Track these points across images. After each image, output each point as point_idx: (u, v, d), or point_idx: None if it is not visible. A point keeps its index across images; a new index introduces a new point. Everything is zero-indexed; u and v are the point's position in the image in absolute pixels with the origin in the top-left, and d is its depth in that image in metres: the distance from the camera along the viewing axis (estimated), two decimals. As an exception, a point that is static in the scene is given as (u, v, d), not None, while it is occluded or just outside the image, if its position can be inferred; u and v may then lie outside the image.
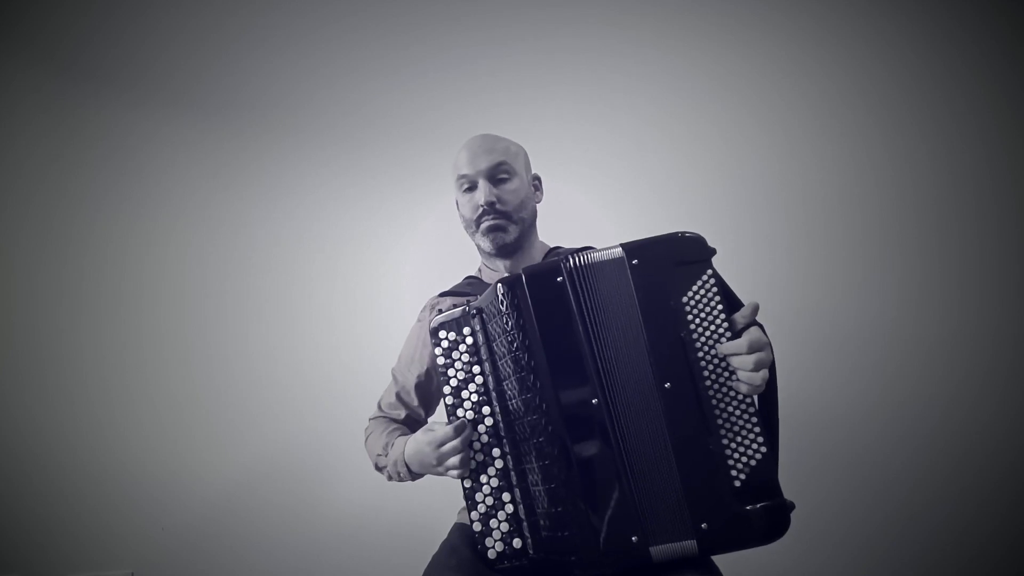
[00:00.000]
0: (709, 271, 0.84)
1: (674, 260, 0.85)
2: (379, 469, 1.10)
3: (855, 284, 1.69)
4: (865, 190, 1.71)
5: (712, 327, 0.83)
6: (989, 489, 1.61)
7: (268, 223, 1.86)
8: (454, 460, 0.89)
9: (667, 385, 0.83)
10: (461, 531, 1.02)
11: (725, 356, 0.82)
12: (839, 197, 1.71)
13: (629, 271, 0.85)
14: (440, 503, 1.24)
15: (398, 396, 1.18)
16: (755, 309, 0.85)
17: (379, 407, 1.21)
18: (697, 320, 0.83)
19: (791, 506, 0.80)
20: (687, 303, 0.84)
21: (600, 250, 0.88)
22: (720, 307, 0.83)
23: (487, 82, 1.83)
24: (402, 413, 1.17)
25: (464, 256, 1.27)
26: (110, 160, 1.86)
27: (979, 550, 1.61)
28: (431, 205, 1.83)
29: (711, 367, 0.83)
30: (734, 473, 0.80)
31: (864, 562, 1.63)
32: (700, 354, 0.83)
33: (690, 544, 0.81)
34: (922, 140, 1.70)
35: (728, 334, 0.83)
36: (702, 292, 0.84)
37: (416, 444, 0.97)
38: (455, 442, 0.89)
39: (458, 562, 0.92)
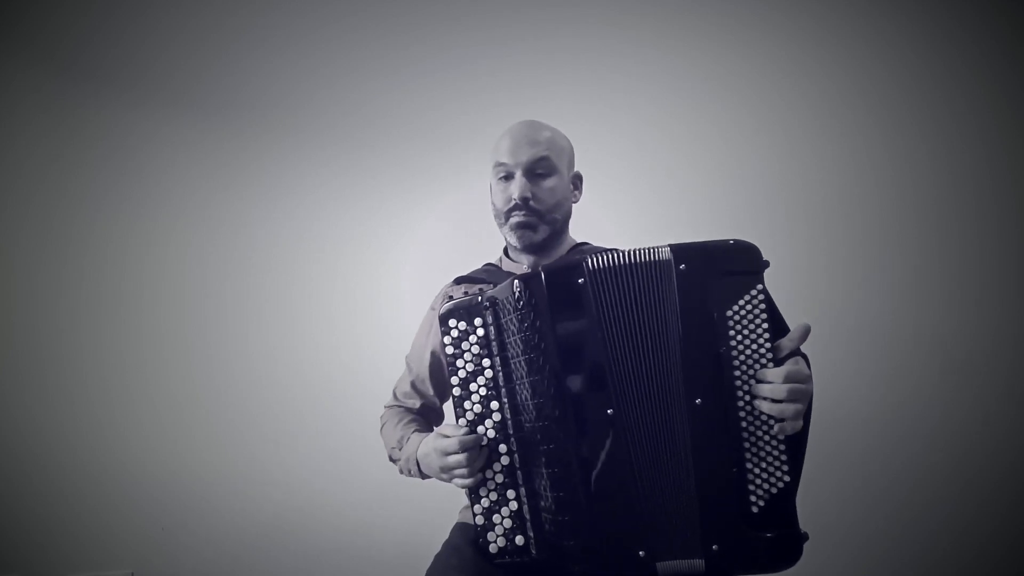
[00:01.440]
0: (760, 286, 0.78)
1: (724, 269, 0.79)
2: (393, 461, 1.09)
3: (855, 284, 1.69)
4: (865, 190, 1.71)
5: (754, 346, 0.78)
6: (989, 489, 1.62)
7: (268, 223, 1.86)
8: (459, 482, 0.88)
9: (698, 402, 0.79)
10: (463, 531, 1.02)
11: (760, 382, 0.78)
12: (839, 197, 1.71)
13: (675, 276, 0.79)
14: (442, 503, 1.23)
15: (413, 385, 1.16)
16: (805, 332, 0.79)
17: (394, 395, 1.20)
18: (739, 337, 0.78)
19: (805, 537, 0.78)
20: (731, 317, 0.78)
21: (643, 250, 0.82)
22: (765, 325, 0.78)
23: (487, 82, 1.83)
24: (417, 403, 1.16)
25: (465, 257, 1.26)
26: (110, 160, 1.86)
27: (979, 550, 1.61)
28: (431, 205, 1.83)
29: (746, 388, 0.78)
30: (753, 499, 0.78)
31: (864, 562, 1.63)
32: (737, 373, 0.78)
33: (698, 563, 0.80)
34: (922, 140, 1.70)
35: (770, 355, 0.78)
36: (749, 307, 0.78)
37: (426, 448, 0.95)
38: (460, 457, 0.86)
39: (460, 562, 0.92)
